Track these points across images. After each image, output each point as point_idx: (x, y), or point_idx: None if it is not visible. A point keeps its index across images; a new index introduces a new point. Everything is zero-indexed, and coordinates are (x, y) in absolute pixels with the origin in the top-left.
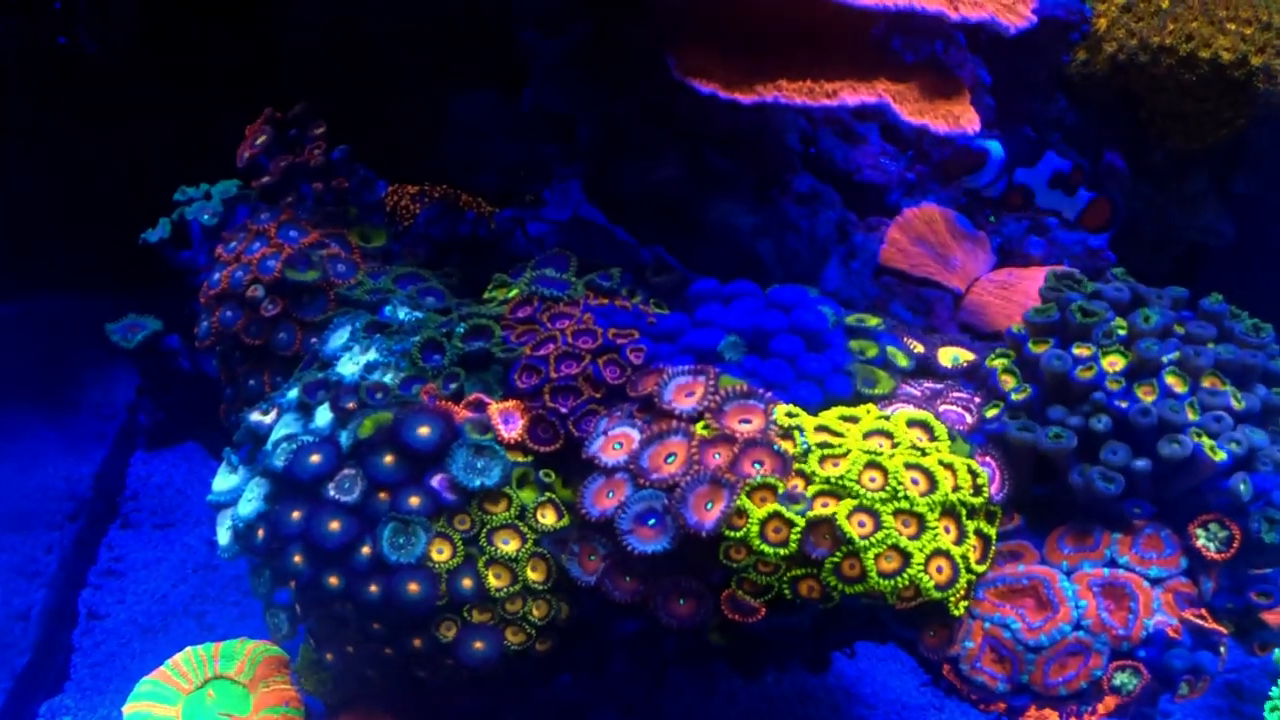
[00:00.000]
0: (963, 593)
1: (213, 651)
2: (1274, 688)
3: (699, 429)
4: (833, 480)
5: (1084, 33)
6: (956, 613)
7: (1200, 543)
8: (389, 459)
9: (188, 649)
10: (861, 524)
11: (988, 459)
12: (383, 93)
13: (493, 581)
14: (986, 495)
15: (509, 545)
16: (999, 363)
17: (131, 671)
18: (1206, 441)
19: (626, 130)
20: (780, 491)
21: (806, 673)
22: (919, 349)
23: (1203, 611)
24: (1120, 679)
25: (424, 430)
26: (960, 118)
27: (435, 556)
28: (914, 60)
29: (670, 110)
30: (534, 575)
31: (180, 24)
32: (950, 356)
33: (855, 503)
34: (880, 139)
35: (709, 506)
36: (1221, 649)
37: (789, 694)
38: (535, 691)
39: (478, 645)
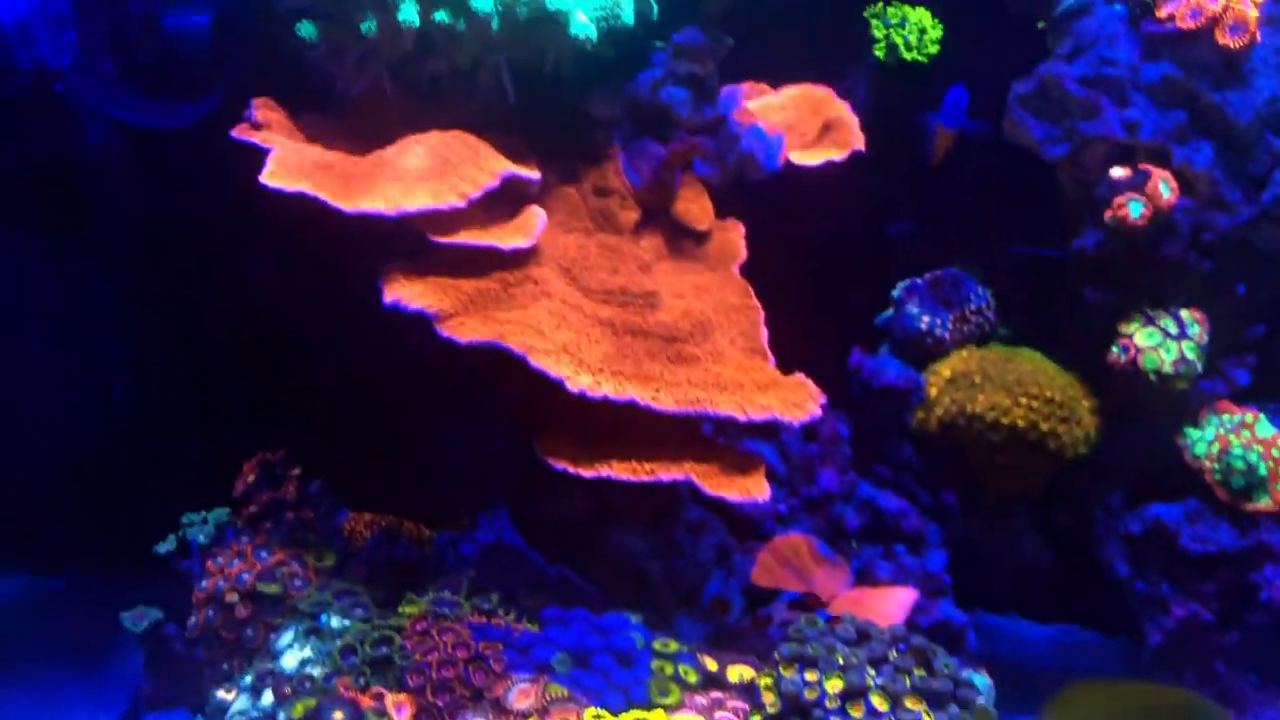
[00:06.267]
0: None
1: None
2: None
3: None
4: None
5: (920, 398)
6: None
7: None
8: None
9: None
10: None
11: None
12: (390, 425)
13: None
14: None
15: None
16: (764, 681)
17: None
18: None
19: (544, 476)
20: None
21: None
22: (713, 667)
23: None
24: None
25: (338, 715)
26: (752, 490)
27: None
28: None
29: None
30: None
31: (201, 374)
32: (737, 674)
33: None
34: None
35: None
36: None
37: None
38: None
39: None
